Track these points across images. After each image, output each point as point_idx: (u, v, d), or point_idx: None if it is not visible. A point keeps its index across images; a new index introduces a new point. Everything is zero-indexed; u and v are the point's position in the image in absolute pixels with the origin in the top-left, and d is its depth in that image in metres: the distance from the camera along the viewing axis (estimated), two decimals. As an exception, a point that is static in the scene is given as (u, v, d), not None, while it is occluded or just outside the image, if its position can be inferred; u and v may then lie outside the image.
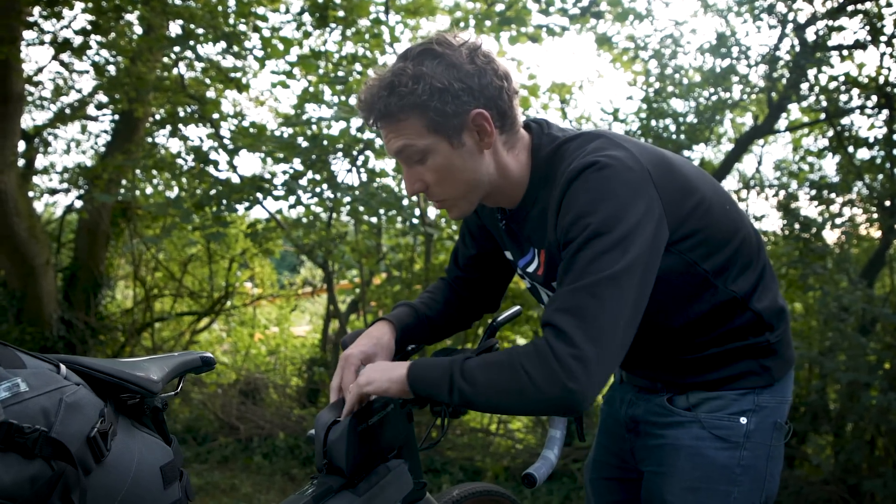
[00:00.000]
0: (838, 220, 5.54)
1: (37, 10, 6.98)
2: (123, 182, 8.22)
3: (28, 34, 7.33)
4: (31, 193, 8.96)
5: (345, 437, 1.59)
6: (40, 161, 10.08)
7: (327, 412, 1.66)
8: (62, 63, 8.60)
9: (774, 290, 1.82)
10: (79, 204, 9.04)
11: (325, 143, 5.43)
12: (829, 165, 7.04)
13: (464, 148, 1.60)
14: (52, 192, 9.86)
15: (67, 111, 9.18)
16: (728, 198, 1.79)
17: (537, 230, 1.71)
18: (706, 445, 1.77)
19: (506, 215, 1.79)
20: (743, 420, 1.77)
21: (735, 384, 1.77)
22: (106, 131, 9.55)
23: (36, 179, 9.83)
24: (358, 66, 5.95)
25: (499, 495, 2.32)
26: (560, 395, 1.41)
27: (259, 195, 5.59)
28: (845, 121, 5.59)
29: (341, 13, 5.87)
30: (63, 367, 1.22)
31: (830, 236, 5.49)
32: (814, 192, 5.71)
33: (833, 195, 5.59)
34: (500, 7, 5.91)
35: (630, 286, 1.46)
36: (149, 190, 9.01)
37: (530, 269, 1.77)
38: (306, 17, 6.16)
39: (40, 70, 9.01)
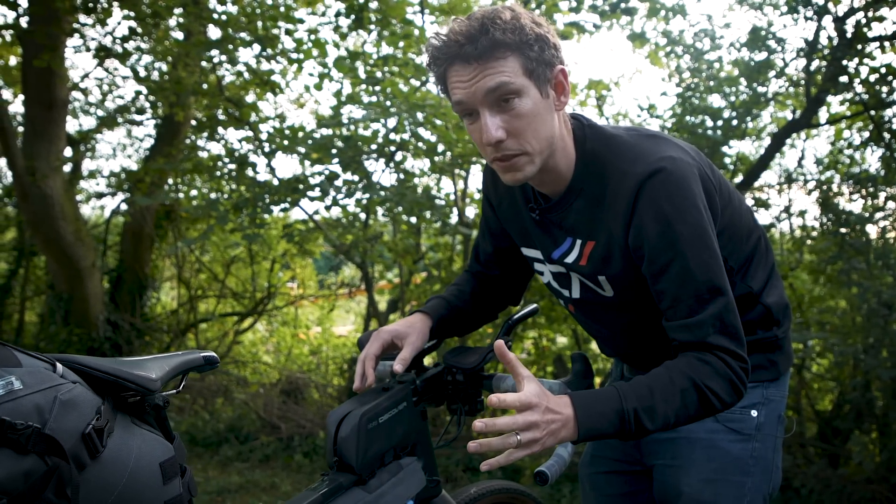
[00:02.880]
0: (881, 215, 5.42)
1: (81, 17, 7.12)
2: (167, 185, 8.34)
3: (73, 41, 7.49)
4: (78, 197, 9.14)
5: (355, 434, 1.60)
6: (87, 165, 10.30)
7: (340, 408, 1.67)
8: (106, 70, 8.76)
9: (780, 287, 1.86)
10: (124, 207, 9.20)
11: (360, 143, 5.45)
12: (873, 159, 6.91)
13: (548, 100, 1.59)
14: (99, 195, 10.05)
15: (114, 116, 9.34)
16: (743, 198, 1.85)
17: (584, 221, 1.70)
18: (720, 438, 1.81)
19: (540, 206, 1.78)
20: (754, 413, 1.83)
21: None
22: (150, 135, 9.72)
23: (83, 184, 10.04)
24: (394, 68, 5.97)
25: (519, 493, 2.31)
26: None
27: (297, 196, 5.63)
28: (887, 113, 5.47)
29: (378, 15, 5.90)
30: (60, 365, 1.24)
31: (873, 231, 5.38)
32: (856, 185, 5.61)
33: (873, 188, 5.48)
34: (532, 6, 5.90)
35: None
36: (193, 192, 9.15)
37: (569, 259, 1.76)
38: (343, 20, 6.20)
39: (86, 76, 9.19)
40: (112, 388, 1.31)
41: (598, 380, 5.49)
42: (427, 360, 1.98)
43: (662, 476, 1.89)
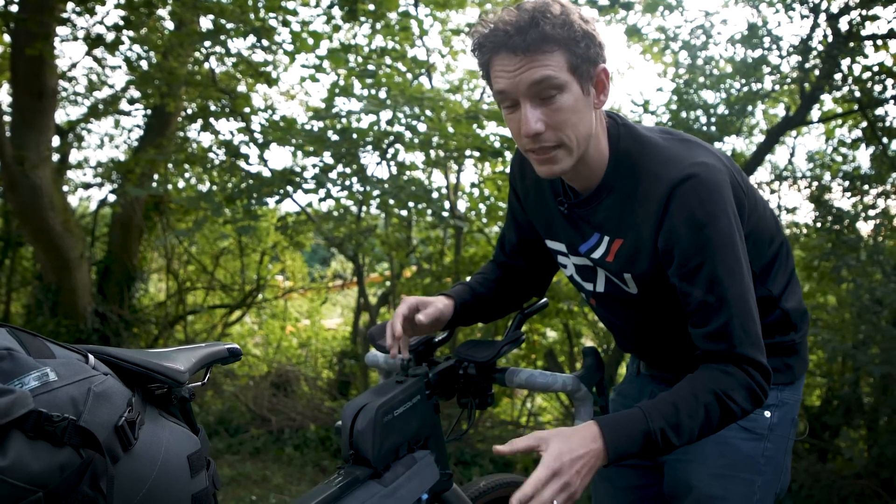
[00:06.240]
0: (872, 212, 5.47)
1: (70, 6, 7.06)
2: (156, 176, 8.30)
3: (62, 30, 7.43)
4: (65, 188, 9.07)
5: (371, 427, 1.60)
6: (74, 156, 10.22)
7: (355, 401, 1.67)
8: (95, 59, 8.70)
9: (799, 293, 1.89)
10: (112, 198, 9.15)
11: (355, 136, 5.44)
12: (864, 156, 6.95)
13: (588, 97, 1.60)
14: (86, 186, 9.98)
15: (101, 106, 9.28)
16: (767, 203, 1.86)
17: (613, 219, 1.71)
18: (733, 436, 1.82)
19: (570, 200, 1.79)
20: (767, 413, 1.85)
21: None
22: (139, 126, 9.65)
23: (70, 174, 9.97)
24: (387, 60, 5.97)
25: (525, 486, 2.31)
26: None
27: (289, 188, 5.62)
28: (879, 111, 5.51)
29: (371, 6, 5.88)
30: (91, 357, 1.23)
31: (864, 228, 5.43)
32: (847, 183, 5.65)
33: (866, 186, 5.52)
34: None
35: None
36: (181, 184, 9.10)
37: (595, 254, 1.77)
38: (336, 11, 6.18)
39: (74, 66, 9.12)
40: (141, 380, 1.30)
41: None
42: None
43: (673, 471, 1.91)
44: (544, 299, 2.10)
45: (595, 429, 1.50)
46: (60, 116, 9.50)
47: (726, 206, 1.59)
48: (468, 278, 2.09)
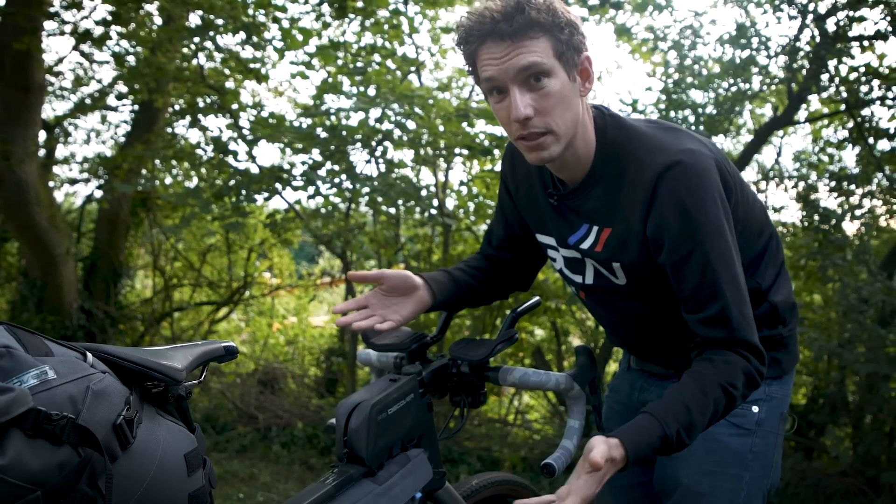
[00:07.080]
0: (858, 212, 5.50)
1: (57, 0, 7.02)
2: (143, 172, 8.25)
3: (49, 25, 7.38)
4: (51, 183, 9.02)
5: (365, 426, 1.60)
6: (61, 151, 10.16)
7: (349, 399, 1.67)
8: (83, 53, 8.65)
9: (788, 287, 1.89)
10: (99, 194, 9.10)
11: (344, 133, 5.43)
12: (850, 157, 6.99)
13: (574, 84, 1.62)
14: (73, 181, 9.93)
15: (88, 101, 9.23)
16: (756, 194, 1.87)
17: (601, 209, 1.72)
18: (721, 431, 1.82)
19: (558, 192, 1.80)
20: (755, 409, 1.85)
21: None
22: (126, 121, 9.60)
23: (56, 169, 9.91)
24: (377, 57, 5.97)
25: (516, 484, 2.33)
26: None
27: (278, 185, 5.61)
28: (865, 112, 5.54)
29: (360, 3, 5.88)
30: (89, 355, 1.23)
31: (850, 228, 5.47)
32: (833, 183, 5.69)
33: (853, 186, 5.56)
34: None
35: None
36: (168, 180, 9.05)
37: (584, 244, 1.78)
38: (325, 8, 6.17)
39: (61, 60, 9.06)
40: (138, 379, 1.30)
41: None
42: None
43: (662, 467, 1.91)
44: (536, 298, 2.11)
45: (620, 449, 1.50)
46: (47, 111, 9.43)
47: (714, 191, 1.60)
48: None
